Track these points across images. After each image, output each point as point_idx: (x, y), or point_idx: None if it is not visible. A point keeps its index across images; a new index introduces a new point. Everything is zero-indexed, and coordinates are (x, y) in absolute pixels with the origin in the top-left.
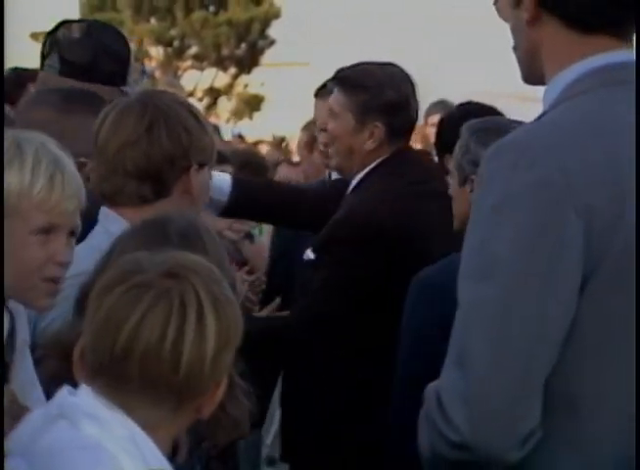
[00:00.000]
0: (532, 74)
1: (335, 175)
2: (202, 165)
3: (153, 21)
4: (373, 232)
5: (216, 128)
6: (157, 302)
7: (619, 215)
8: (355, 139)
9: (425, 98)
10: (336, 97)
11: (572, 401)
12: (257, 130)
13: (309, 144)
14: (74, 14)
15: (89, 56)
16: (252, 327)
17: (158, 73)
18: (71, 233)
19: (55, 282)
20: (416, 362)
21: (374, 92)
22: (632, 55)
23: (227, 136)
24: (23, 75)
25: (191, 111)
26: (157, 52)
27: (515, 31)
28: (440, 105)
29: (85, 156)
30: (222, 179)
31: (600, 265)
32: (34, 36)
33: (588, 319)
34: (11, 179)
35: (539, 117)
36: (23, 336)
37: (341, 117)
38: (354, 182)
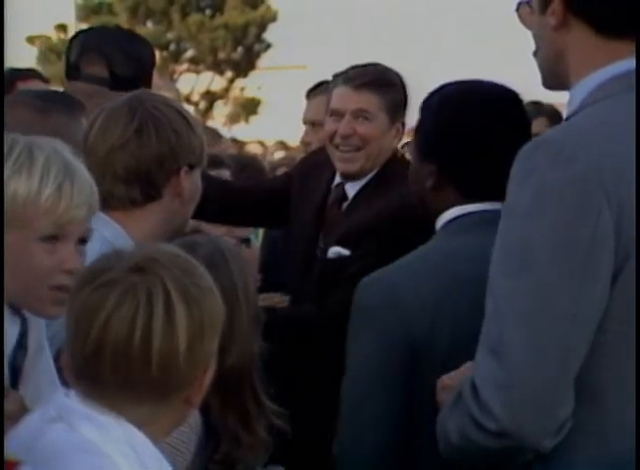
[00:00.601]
0: (555, 79)
1: None
2: (191, 167)
3: (149, 24)
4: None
5: (217, 133)
6: (123, 299)
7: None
8: (386, 138)
9: (419, 99)
10: (367, 98)
11: (597, 391)
12: (254, 134)
13: None
14: (70, 17)
15: (133, 70)
16: (279, 318)
17: (155, 77)
18: (82, 240)
19: (63, 290)
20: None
21: (400, 90)
22: None
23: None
24: (12, 74)
25: (180, 112)
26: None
27: (539, 37)
28: None
29: None
30: None
31: (628, 260)
32: (30, 40)
33: (615, 312)
34: (18, 186)
35: (566, 119)
36: (38, 340)
37: (376, 118)
38: (358, 184)
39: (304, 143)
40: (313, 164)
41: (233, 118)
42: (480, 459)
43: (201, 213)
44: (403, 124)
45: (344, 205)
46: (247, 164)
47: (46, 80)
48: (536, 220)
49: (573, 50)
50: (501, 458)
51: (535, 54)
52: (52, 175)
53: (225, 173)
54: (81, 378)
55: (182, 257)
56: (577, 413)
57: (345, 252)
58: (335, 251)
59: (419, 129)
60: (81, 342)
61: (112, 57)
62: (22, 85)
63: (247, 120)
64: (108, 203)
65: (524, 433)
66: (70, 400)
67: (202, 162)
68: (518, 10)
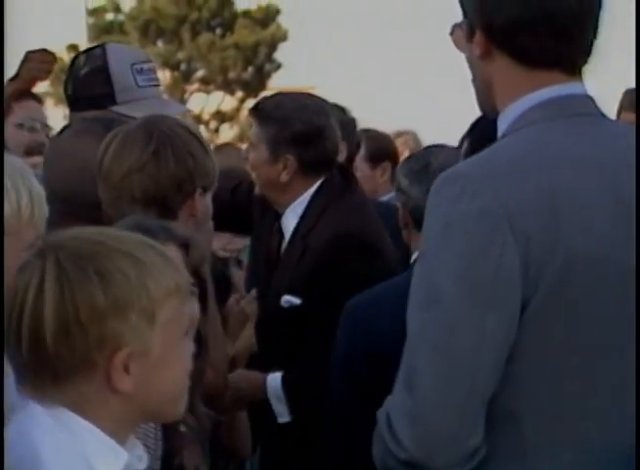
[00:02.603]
0: (488, 106)
1: None
2: (205, 189)
3: (159, 44)
4: (371, 245)
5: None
6: (17, 284)
7: (554, 244)
8: (271, 170)
9: (432, 120)
10: (253, 129)
11: (515, 419)
12: None
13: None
14: (82, 37)
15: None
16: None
17: (165, 97)
18: None
19: None
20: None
21: (282, 124)
22: (581, 87)
23: None
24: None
25: (194, 135)
26: (163, 75)
27: (470, 64)
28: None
29: None
30: None
31: (537, 290)
32: None
33: (526, 342)
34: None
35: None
36: None
37: (256, 149)
38: (292, 216)
39: None
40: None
41: (243, 139)
42: None
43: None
44: (300, 159)
45: (283, 244)
46: (236, 178)
47: (39, 100)
48: (443, 254)
49: (498, 79)
50: None
51: (473, 80)
52: (21, 184)
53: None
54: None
55: (88, 237)
56: (497, 439)
57: (297, 301)
58: (286, 300)
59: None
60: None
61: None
62: (16, 106)
63: None
64: None
65: (433, 463)
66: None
67: (214, 184)
68: (452, 33)
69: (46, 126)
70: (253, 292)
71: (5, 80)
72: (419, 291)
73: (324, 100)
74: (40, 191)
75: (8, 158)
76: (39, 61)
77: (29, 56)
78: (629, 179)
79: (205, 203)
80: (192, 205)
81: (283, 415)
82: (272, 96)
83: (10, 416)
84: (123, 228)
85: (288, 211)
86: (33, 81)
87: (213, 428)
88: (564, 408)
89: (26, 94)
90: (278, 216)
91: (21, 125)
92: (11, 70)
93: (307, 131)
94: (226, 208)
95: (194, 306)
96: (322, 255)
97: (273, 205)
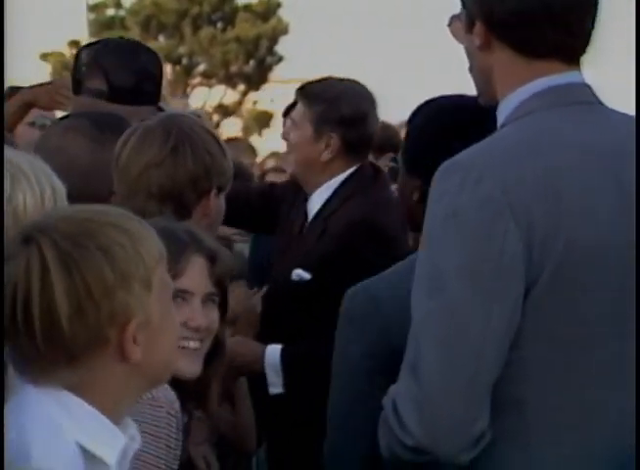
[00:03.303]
0: (488, 95)
1: None
2: (220, 190)
3: (161, 38)
4: (384, 232)
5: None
6: (8, 274)
7: (555, 229)
8: (312, 149)
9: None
10: (297, 108)
11: (519, 405)
12: (268, 147)
13: None
14: (83, 33)
15: (134, 80)
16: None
17: (167, 92)
18: None
19: None
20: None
21: (330, 104)
22: (580, 76)
23: None
24: (10, 95)
25: (212, 134)
26: (165, 70)
27: (469, 54)
28: None
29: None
30: None
31: (540, 276)
32: (44, 57)
33: (531, 326)
34: (23, 195)
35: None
36: None
37: (300, 127)
38: (319, 201)
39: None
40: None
41: (246, 132)
42: None
43: None
44: (343, 139)
45: (306, 224)
46: (235, 174)
47: None
48: (446, 243)
49: (498, 69)
50: None
51: (470, 70)
52: (43, 178)
53: None
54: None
55: (76, 215)
56: (501, 424)
57: (307, 275)
58: (297, 273)
59: (405, 144)
60: None
61: (109, 69)
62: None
63: (260, 134)
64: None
65: (439, 448)
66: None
67: (228, 185)
68: (450, 25)
69: None
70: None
71: (5, 80)
72: (423, 279)
73: (364, 86)
74: (62, 187)
75: (28, 156)
76: (62, 88)
77: (54, 82)
78: (630, 166)
79: (219, 203)
80: (206, 204)
81: (276, 386)
82: (320, 79)
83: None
84: None
85: (315, 194)
86: (52, 107)
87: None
88: (564, 397)
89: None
90: (305, 200)
91: (32, 124)
92: (11, 71)
93: (353, 114)
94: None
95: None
96: (341, 238)
97: (304, 185)
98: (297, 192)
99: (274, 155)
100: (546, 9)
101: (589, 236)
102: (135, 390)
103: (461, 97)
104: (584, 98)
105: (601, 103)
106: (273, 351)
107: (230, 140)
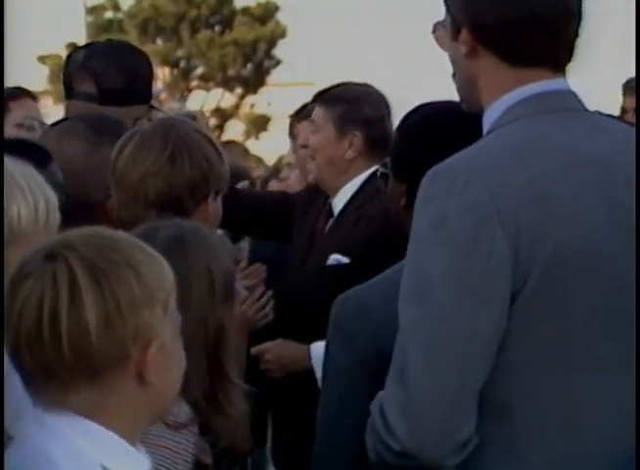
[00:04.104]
0: (472, 103)
1: None
2: (217, 193)
3: (159, 41)
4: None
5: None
6: (32, 289)
7: (542, 233)
8: (336, 149)
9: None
10: (317, 112)
11: (506, 409)
12: (265, 150)
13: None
14: (81, 36)
15: (123, 81)
16: None
17: (164, 95)
18: None
19: None
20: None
21: (352, 104)
22: (565, 84)
23: None
24: (5, 95)
25: (209, 139)
26: (163, 73)
27: (453, 62)
28: None
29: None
30: None
31: (528, 279)
32: (41, 59)
33: (518, 329)
34: (17, 207)
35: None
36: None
37: (322, 129)
38: (344, 196)
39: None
40: (314, 193)
41: (244, 135)
42: None
43: None
44: (367, 137)
45: (331, 220)
46: (239, 175)
47: (35, 97)
48: (433, 248)
49: (484, 76)
50: None
51: (454, 77)
52: (36, 188)
53: None
54: (22, 378)
55: (101, 234)
56: (488, 429)
57: (345, 259)
58: (334, 258)
59: (392, 150)
60: (7, 338)
61: (98, 71)
62: (13, 105)
63: (257, 137)
64: (136, 226)
65: (425, 453)
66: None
67: (225, 188)
68: (434, 32)
69: (43, 124)
70: (257, 294)
71: (4, 81)
72: (409, 285)
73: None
74: (54, 198)
75: (19, 165)
76: None
77: None
78: (616, 171)
79: (216, 207)
80: (205, 209)
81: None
82: (336, 85)
83: (16, 422)
84: (162, 237)
85: (340, 192)
86: None
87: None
88: (552, 400)
89: (24, 92)
90: (325, 201)
91: (20, 125)
92: (9, 73)
93: (374, 114)
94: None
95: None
96: (381, 222)
97: (328, 186)
98: (312, 198)
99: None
100: (533, 17)
101: (577, 239)
102: (148, 414)
103: (448, 103)
104: (570, 105)
105: (586, 110)
106: (318, 346)
107: (226, 144)
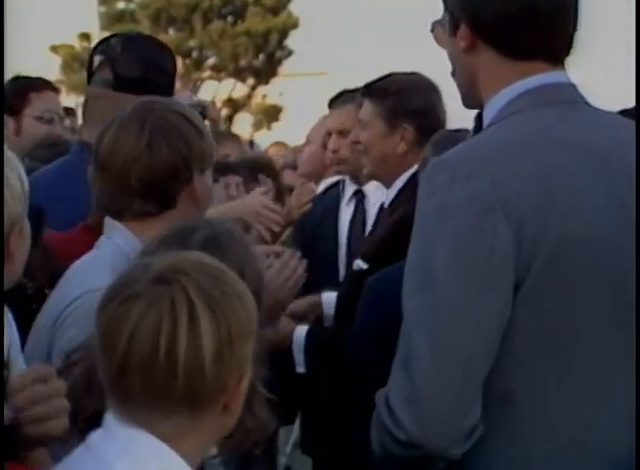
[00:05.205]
0: (471, 99)
1: (345, 180)
2: (203, 170)
3: (171, 31)
4: None
5: (251, 142)
6: (147, 311)
7: (546, 224)
8: (387, 143)
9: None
10: (364, 108)
11: (509, 398)
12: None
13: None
14: (94, 26)
15: (141, 70)
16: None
17: (177, 85)
18: None
19: None
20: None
21: (400, 97)
22: (565, 76)
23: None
24: (25, 85)
25: (187, 118)
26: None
27: (452, 58)
28: None
29: None
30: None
31: (531, 269)
32: (54, 49)
33: (522, 318)
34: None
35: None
36: (16, 348)
37: (371, 125)
38: (393, 192)
39: (333, 151)
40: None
41: (255, 126)
42: (400, 468)
43: None
44: (418, 129)
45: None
46: (261, 169)
47: (56, 89)
48: (436, 239)
49: (483, 71)
50: (417, 467)
51: (453, 74)
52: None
53: (235, 179)
54: (112, 394)
55: (208, 263)
56: (491, 418)
57: (364, 266)
58: (357, 263)
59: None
60: (108, 357)
61: (115, 58)
62: (34, 97)
63: (269, 128)
64: (122, 215)
65: (431, 442)
66: (106, 434)
67: (212, 163)
68: (433, 30)
69: (61, 118)
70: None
71: (5, 76)
72: (413, 275)
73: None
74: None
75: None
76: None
77: None
78: (618, 163)
79: (204, 182)
80: (191, 189)
81: (300, 365)
82: (382, 77)
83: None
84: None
85: (392, 187)
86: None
87: None
88: (557, 388)
89: (46, 84)
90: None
91: (40, 118)
92: (21, 63)
93: (424, 104)
94: None
95: None
96: (389, 227)
97: (383, 182)
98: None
99: (277, 144)
100: (533, 12)
101: (579, 230)
102: (216, 439)
103: None
104: (570, 97)
105: (586, 102)
106: (300, 330)
107: (231, 137)
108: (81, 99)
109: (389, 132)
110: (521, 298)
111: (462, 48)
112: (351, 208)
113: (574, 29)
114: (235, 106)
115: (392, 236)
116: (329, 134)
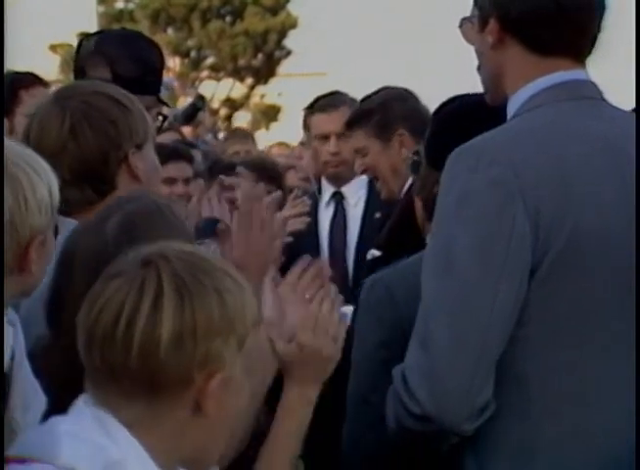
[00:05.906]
0: (497, 94)
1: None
2: (139, 146)
3: (170, 31)
4: None
5: (252, 137)
6: (120, 287)
7: (562, 213)
8: (390, 154)
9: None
10: (355, 138)
11: (521, 380)
12: (276, 141)
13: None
14: (92, 25)
15: (138, 71)
16: None
17: (175, 85)
18: None
19: None
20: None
21: (383, 109)
22: (586, 74)
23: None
24: (13, 83)
25: (111, 97)
26: (173, 63)
27: (480, 53)
28: None
29: None
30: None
31: (546, 256)
32: (53, 48)
33: (536, 304)
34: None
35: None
36: (21, 347)
37: (369, 147)
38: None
39: (333, 153)
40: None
41: (253, 125)
42: (413, 442)
43: None
44: (411, 129)
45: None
46: (264, 169)
47: (46, 84)
48: (457, 224)
49: (510, 66)
50: (429, 442)
51: (479, 69)
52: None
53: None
54: (85, 372)
55: (196, 253)
56: (504, 397)
57: (378, 253)
58: (371, 253)
59: (427, 139)
60: (80, 329)
61: (114, 58)
62: (24, 94)
63: (267, 128)
64: (67, 209)
65: (445, 417)
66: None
67: (149, 136)
68: (461, 26)
69: None
70: None
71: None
72: (434, 259)
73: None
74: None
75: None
76: None
77: None
78: (630, 160)
79: (144, 159)
80: (129, 168)
81: None
82: (358, 105)
83: (24, 415)
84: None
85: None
86: None
87: None
88: (568, 373)
89: (35, 80)
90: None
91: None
92: (20, 62)
93: (407, 108)
94: None
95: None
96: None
97: (397, 195)
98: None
99: (280, 144)
100: (561, 10)
101: (594, 221)
102: (188, 449)
103: (483, 95)
104: (590, 94)
105: (604, 100)
106: None
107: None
108: None
109: (387, 144)
110: (535, 284)
111: (490, 43)
112: (331, 209)
113: (599, 30)
114: (233, 106)
115: (401, 222)
116: (324, 138)
